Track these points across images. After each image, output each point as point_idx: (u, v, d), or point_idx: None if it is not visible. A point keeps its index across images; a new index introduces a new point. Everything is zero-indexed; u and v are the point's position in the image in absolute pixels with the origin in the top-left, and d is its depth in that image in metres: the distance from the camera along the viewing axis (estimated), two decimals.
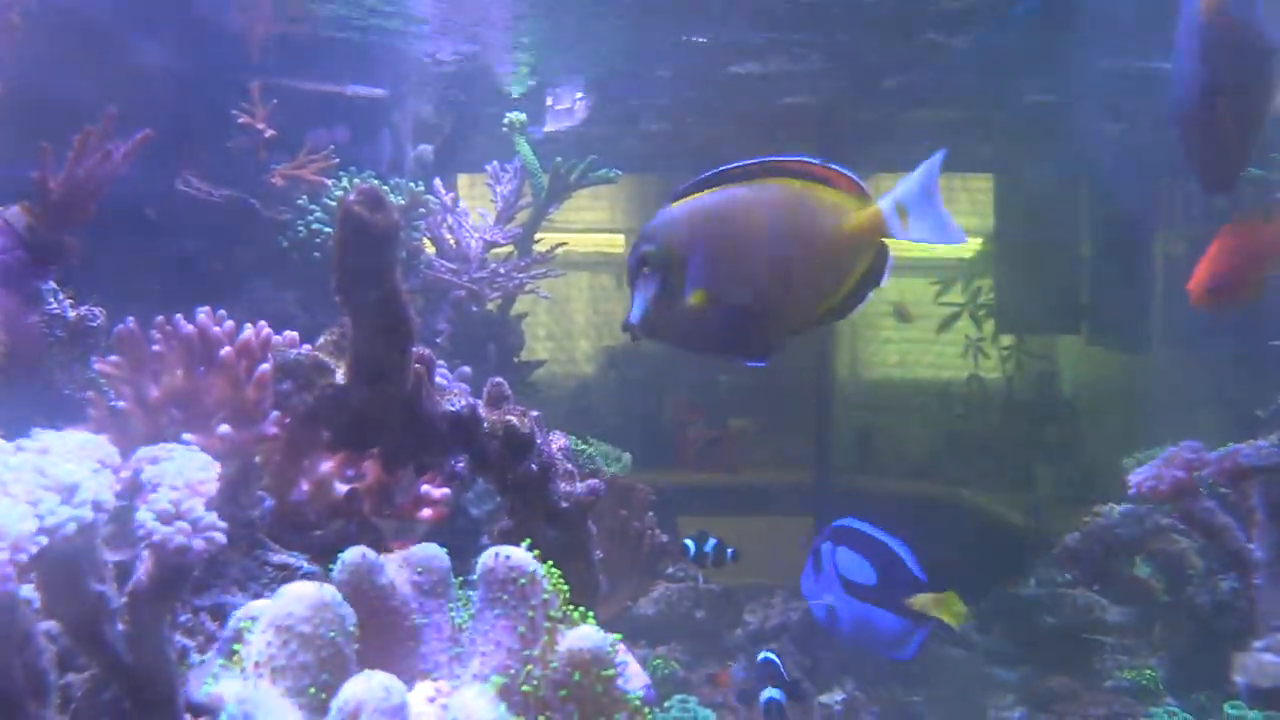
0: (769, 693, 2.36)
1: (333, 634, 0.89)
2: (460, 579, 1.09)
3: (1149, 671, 3.08)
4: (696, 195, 1.49)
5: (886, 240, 1.49)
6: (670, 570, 3.32)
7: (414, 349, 1.22)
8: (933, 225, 1.48)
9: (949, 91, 4.02)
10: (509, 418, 1.33)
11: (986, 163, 5.43)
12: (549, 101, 3.86)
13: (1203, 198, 4.42)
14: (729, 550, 2.90)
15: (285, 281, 2.90)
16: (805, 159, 1.50)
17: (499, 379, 1.38)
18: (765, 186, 1.48)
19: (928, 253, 5.89)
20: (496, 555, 0.97)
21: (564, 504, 1.37)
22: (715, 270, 1.46)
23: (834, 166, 1.51)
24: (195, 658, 1.13)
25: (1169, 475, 1.63)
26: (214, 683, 0.85)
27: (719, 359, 1.55)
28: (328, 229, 2.83)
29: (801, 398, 5.23)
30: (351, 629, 0.91)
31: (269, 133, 2.74)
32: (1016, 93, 4.08)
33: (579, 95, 3.83)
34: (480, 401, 1.36)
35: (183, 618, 1.18)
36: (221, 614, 1.20)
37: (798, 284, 1.49)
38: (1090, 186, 5.05)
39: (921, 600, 2.26)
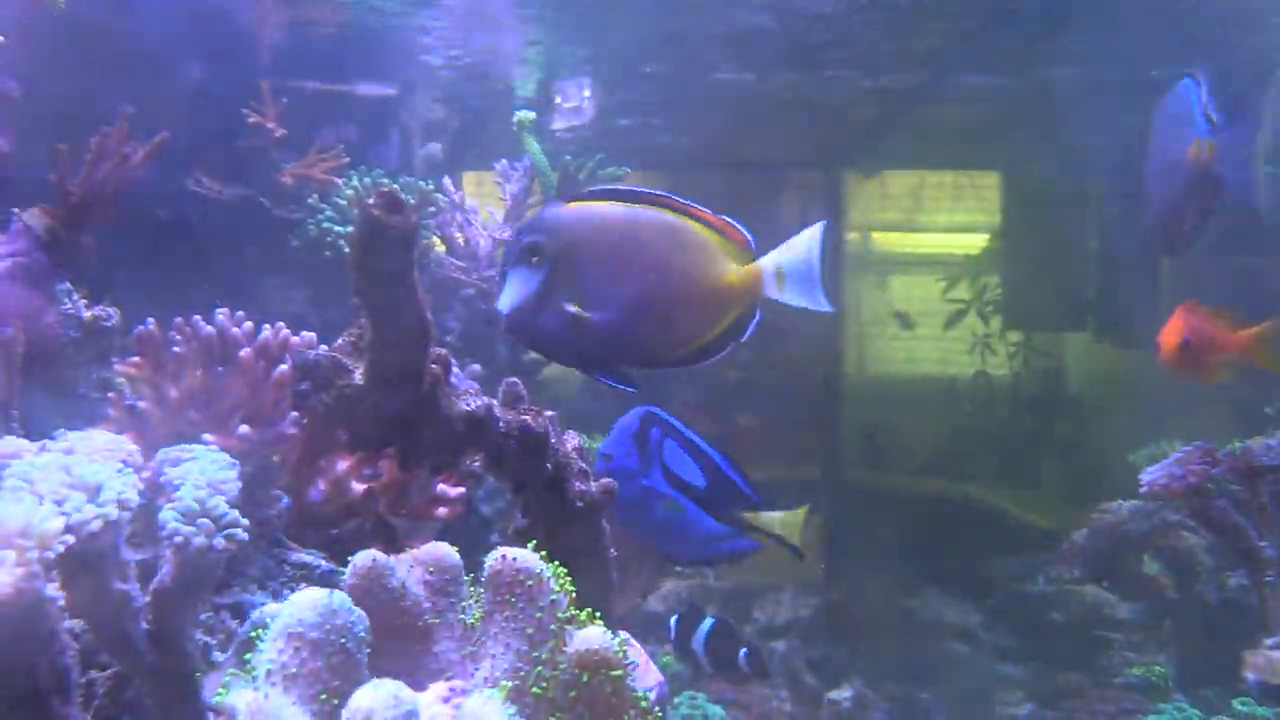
0: (707, 621, 2.40)
1: (343, 640, 0.89)
2: (470, 576, 1.09)
3: (1158, 668, 3.08)
4: (598, 203, 1.49)
5: (759, 297, 1.54)
6: (679, 567, 3.33)
7: (431, 349, 1.23)
8: (806, 296, 1.54)
9: (957, 88, 4.03)
10: (524, 417, 1.34)
11: (993, 160, 5.42)
12: (557, 99, 3.86)
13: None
14: None
15: (296, 280, 2.92)
16: (701, 207, 1.54)
17: (514, 379, 1.39)
18: (665, 217, 1.51)
19: (933, 249, 5.89)
20: (503, 557, 0.97)
21: (579, 503, 1.38)
22: (603, 283, 1.46)
23: (728, 220, 1.55)
24: (216, 655, 1.14)
25: (1181, 474, 1.64)
26: (226, 692, 0.86)
27: (580, 371, 1.54)
28: (338, 228, 2.84)
29: (809, 394, 5.24)
30: (362, 634, 0.92)
31: (279, 132, 2.76)
32: (1025, 88, 4.08)
33: (587, 93, 3.83)
34: (495, 401, 1.37)
35: (203, 616, 1.20)
36: (241, 612, 1.21)
37: (674, 319, 1.51)
38: (1098, 183, 5.04)
39: (766, 518, 2.25)
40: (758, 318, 1.55)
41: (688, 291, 1.50)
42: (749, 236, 1.54)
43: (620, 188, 1.52)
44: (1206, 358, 2.08)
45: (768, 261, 1.53)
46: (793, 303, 1.54)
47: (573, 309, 1.45)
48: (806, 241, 1.54)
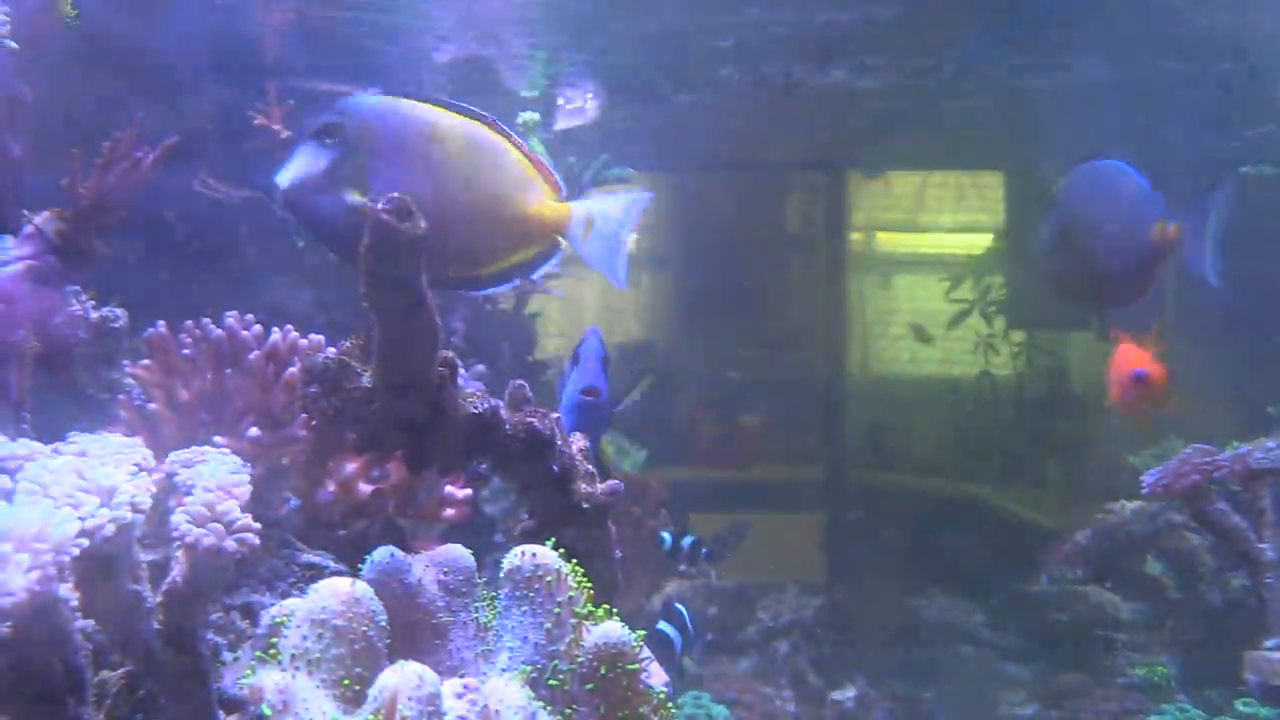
0: (660, 625, 2.42)
1: (365, 628, 0.91)
2: (484, 579, 1.11)
3: (1160, 668, 3.09)
4: (415, 102, 1.44)
5: (561, 241, 1.48)
6: (683, 568, 3.34)
7: (439, 352, 1.24)
8: (607, 255, 1.48)
9: (962, 88, 4.03)
10: (530, 419, 1.35)
11: (996, 159, 5.43)
12: (560, 101, 3.87)
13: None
14: (704, 550, 2.92)
15: (301, 280, 2.93)
16: (520, 140, 1.48)
17: (520, 381, 1.40)
18: (482, 131, 1.45)
19: (937, 249, 5.90)
20: (523, 554, 0.99)
21: (584, 505, 1.39)
22: (395, 180, 1.37)
23: (544, 162, 1.50)
24: (227, 655, 1.16)
25: (1182, 477, 1.65)
26: (253, 674, 0.88)
27: (346, 263, 1.49)
28: None
29: (812, 394, 5.25)
30: (383, 624, 0.94)
31: (285, 133, 2.76)
32: (1029, 87, 4.09)
33: (590, 94, 3.84)
34: (502, 403, 1.38)
35: (213, 616, 1.21)
36: (251, 613, 1.22)
37: (460, 235, 1.44)
38: None
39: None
40: (556, 259, 1.50)
41: (485, 211, 1.43)
42: (562, 184, 1.49)
43: (441, 98, 1.45)
44: (1158, 390, 2.10)
45: (580, 206, 1.48)
46: (588, 258, 1.48)
47: (355, 199, 1.38)
48: (625, 204, 1.50)
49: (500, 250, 1.47)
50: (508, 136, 1.46)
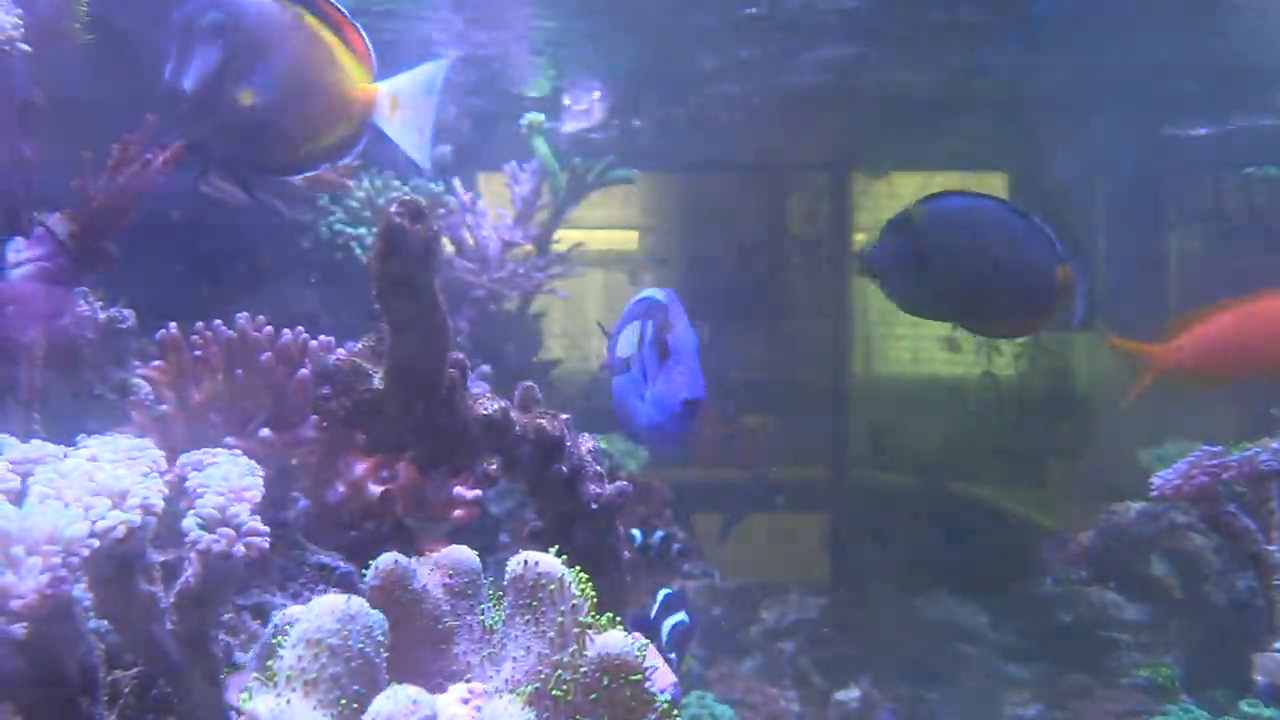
0: (677, 618, 2.39)
1: (362, 645, 0.90)
2: (489, 579, 1.11)
3: (1164, 669, 3.09)
4: None
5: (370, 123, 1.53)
6: (687, 568, 3.34)
7: (450, 354, 1.24)
8: (413, 132, 1.53)
9: (968, 91, 4.04)
10: (540, 421, 1.35)
11: (1001, 161, 5.43)
12: (566, 102, 3.87)
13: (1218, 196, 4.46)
14: (675, 545, 2.90)
15: (307, 281, 2.94)
16: (347, 14, 1.50)
17: (530, 383, 1.40)
18: (300, 17, 1.48)
19: None
20: (525, 562, 0.98)
21: (593, 506, 1.39)
22: (256, 73, 1.43)
23: (363, 35, 1.52)
24: (238, 656, 1.16)
25: (1190, 479, 1.65)
26: (249, 698, 0.88)
27: (235, 166, 1.54)
28: (349, 229, 2.86)
29: (816, 394, 5.25)
30: (381, 638, 0.93)
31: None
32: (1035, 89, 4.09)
33: (596, 95, 3.84)
34: (511, 404, 1.38)
35: (224, 616, 1.21)
36: (263, 613, 1.22)
37: (286, 120, 1.49)
38: (1106, 183, 5.04)
39: None
40: (362, 143, 1.54)
41: (308, 96, 1.48)
42: (373, 58, 1.52)
43: None
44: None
45: (386, 86, 1.51)
46: (395, 137, 1.51)
47: (243, 99, 1.42)
48: (425, 77, 1.52)
49: (315, 131, 1.51)
50: (323, 18, 1.49)
